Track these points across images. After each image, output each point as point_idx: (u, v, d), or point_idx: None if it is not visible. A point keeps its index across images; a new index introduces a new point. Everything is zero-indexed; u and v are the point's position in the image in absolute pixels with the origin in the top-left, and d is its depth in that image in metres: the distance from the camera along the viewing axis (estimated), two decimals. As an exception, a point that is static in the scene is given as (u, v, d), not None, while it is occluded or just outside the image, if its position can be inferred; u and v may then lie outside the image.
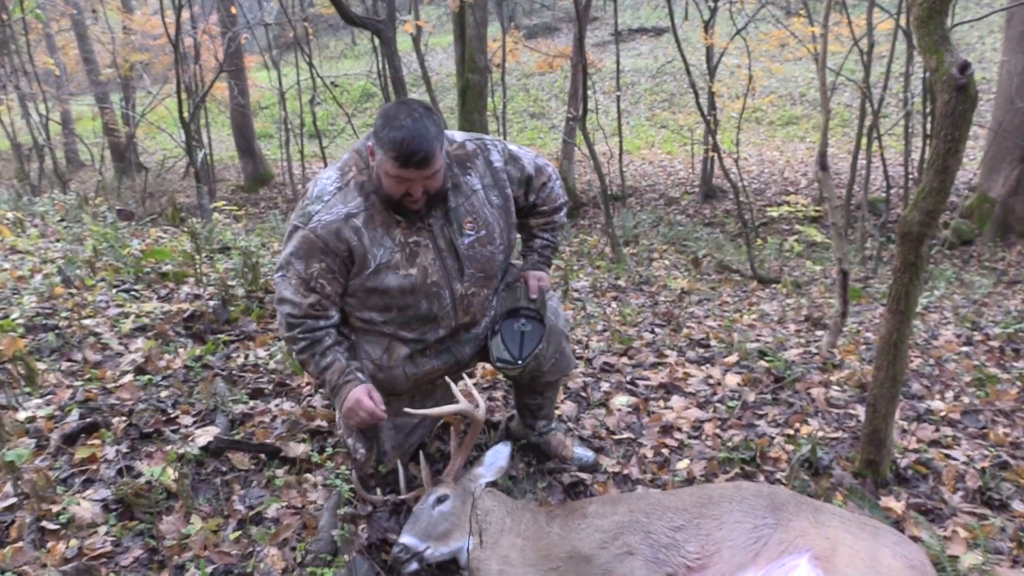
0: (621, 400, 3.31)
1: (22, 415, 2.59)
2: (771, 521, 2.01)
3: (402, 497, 2.32)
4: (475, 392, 2.32)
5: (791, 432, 3.04)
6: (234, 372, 3.16)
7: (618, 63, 12.38)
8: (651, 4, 24.34)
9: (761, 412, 3.26)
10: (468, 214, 2.29)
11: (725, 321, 4.93)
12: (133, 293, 3.88)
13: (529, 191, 2.47)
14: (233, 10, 12.62)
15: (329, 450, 2.63)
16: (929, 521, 2.42)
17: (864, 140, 8.69)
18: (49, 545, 2.04)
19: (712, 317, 5.12)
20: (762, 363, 3.79)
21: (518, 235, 2.61)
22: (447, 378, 2.43)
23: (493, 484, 2.33)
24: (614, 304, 5.38)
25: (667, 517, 2.08)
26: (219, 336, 3.48)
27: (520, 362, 2.38)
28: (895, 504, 2.48)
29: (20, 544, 2.02)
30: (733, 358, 3.88)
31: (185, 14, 9.85)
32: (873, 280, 7.22)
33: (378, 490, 2.41)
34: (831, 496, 2.52)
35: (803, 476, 2.67)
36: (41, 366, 2.92)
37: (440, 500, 2.17)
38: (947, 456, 2.85)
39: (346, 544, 2.17)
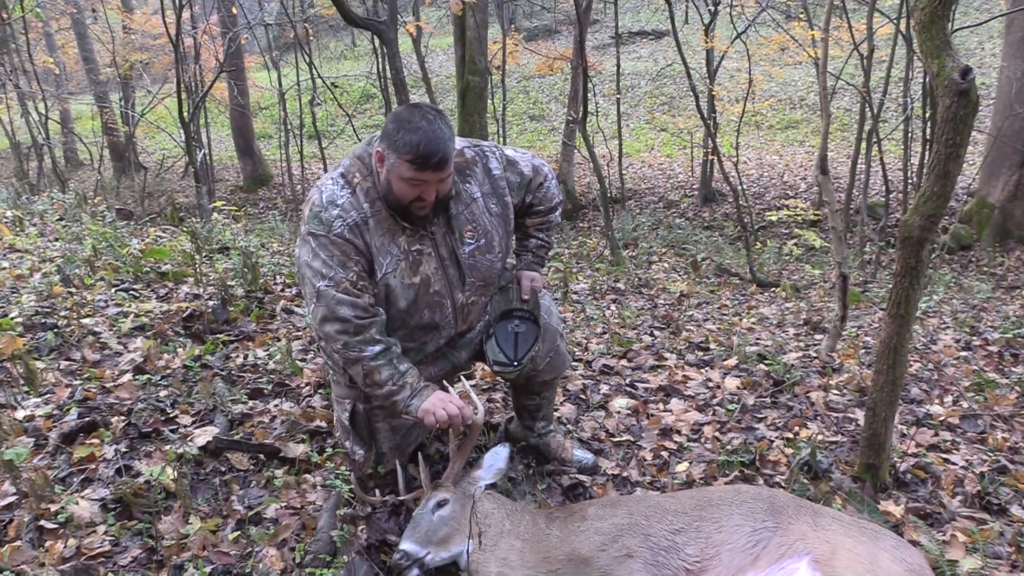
0: (620, 402, 3.31)
1: (21, 414, 2.58)
2: (771, 524, 2.01)
3: (401, 498, 2.32)
4: (473, 395, 2.31)
5: (790, 436, 3.04)
6: (233, 372, 3.15)
7: (618, 66, 12.39)
8: (651, 7, 24.37)
9: (760, 415, 3.26)
10: (468, 222, 2.28)
11: (724, 324, 4.93)
12: (132, 292, 3.88)
13: (527, 193, 2.47)
14: (233, 10, 12.62)
15: (328, 451, 2.62)
16: (928, 525, 2.42)
17: (864, 144, 8.71)
18: (47, 544, 2.03)
19: (711, 320, 5.13)
20: (761, 367, 3.79)
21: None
22: (444, 382, 2.43)
23: (492, 486, 2.32)
24: (613, 307, 5.38)
25: (666, 520, 2.08)
26: (218, 336, 3.48)
27: (516, 363, 2.38)
28: (894, 508, 2.48)
29: (18, 543, 2.02)
30: (732, 361, 3.88)
31: (185, 14, 9.84)
32: (872, 284, 7.22)
33: (377, 491, 2.41)
34: (830, 500, 2.52)
35: (802, 480, 2.67)
36: (40, 365, 2.91)
37: (440, 505, 2.15)
38: (946, 460, 2.85)
39: (345, 545, 2.17)
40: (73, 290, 3.73)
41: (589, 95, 8.15)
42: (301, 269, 2.19)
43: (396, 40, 6.43)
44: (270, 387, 3.07)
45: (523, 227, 2.60)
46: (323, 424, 2.79)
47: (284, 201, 13.63)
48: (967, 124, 2.13)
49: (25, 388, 2.78)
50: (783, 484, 2.67)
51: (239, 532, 2.20)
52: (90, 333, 3.27)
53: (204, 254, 4.81)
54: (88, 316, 3.43)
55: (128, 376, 2.94)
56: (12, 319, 3.20)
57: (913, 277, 2.37)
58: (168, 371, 3.04)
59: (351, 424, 2.50)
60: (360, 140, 2.32)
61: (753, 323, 5.06)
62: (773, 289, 6.76)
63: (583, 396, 3.38)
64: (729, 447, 2.93)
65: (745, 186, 11.61)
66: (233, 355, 3.32)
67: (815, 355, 4.08)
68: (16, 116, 13.77)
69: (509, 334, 2.42)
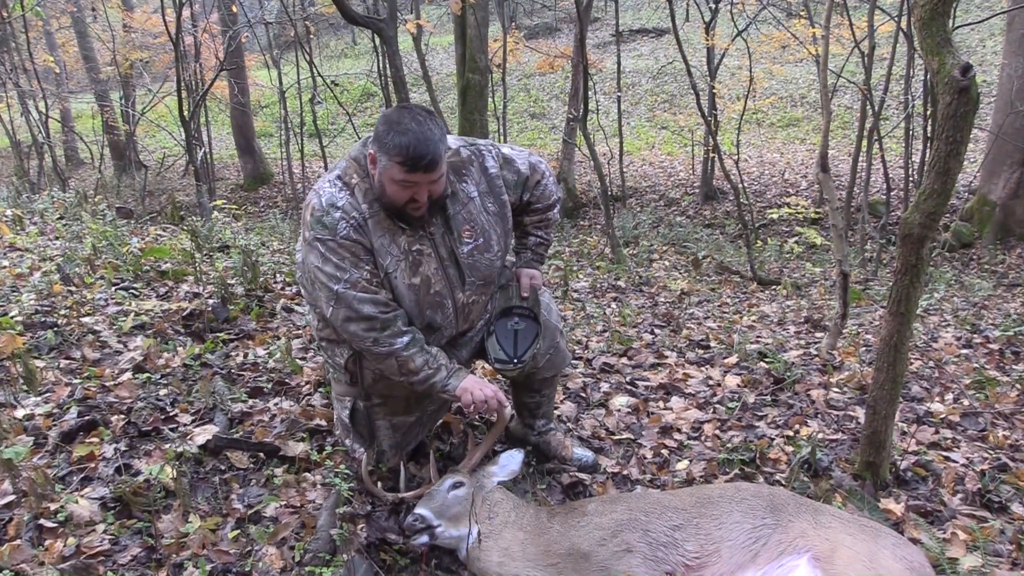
0: (621, 401, 3.31)
1: (20, 413, 2.58)
2: (771, 522, 2.01)
3: (403, 495, 2.33)
4: (500, 393, 2.33)
5: (791, 433, 3.04)
6: (233, 371, 3.15)
7: (619, 64, 12.39)
8: (652, 5, 24.34)
9: (761, 413, 3.26)
10: (466, 222, 2.27)
11: (725, 322, 4.93)
12: (132, 291, 3.87)
13: (524, 191, 2.45)
14: (234, 8, 12.61)
15: (328, 449, 2.62)
16: (928, 523, 2.42)
17: (865, 142, 8.69)
18: (47, 543, 2.03)
19: (712, 318, 5.12)
20: (762, 364, 3.78)
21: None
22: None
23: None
24: (614, 305, 5.38)
25: (666, 516, 2.08)
26: (218, 334, 3.48)
27: (516, 361, 2.38)
28: (895, 506, 2.48)
29: (18, 542, 2.01)
30: (733, 359, 3.88)
31: (186, 12, 9.84)
32: (873, 282, 7.22)
33: (379, 483, 2.42)
34: (831, 498, 2.51)
35: (803, 477, 2.67)
36: (39, 364, 2.91)
37: (456, 486, 2.24)
38: (947, 458, 2.85)
39: (345, 543, 2.17)
40: (73, 289, 3.73)
41: (590, 93, 8.15)
42: (311, 274, 2.17)
43: (396, 38, 6.43)
44: (270, 385, 3.07)
45: (521, 225, 2.59)
46: (323, 423, 2.79)
47: (285, 200, 13.63)
48: (967, 121, 2.13)
49: (25, 387, 2.78)
50: (783, 482, 2.66)
51: (239, 531, 2.19)
52: (90, 332, 3.27)
53: (204, 253, 4.81)
54: (88, 315, 3.43)
55: (128, 375, 2.94)
56: (12, 318, 3.20)
57: (913, 275, 2.37)
58: (168, 370, 3.04)
59: (351, 422, 2.50)
60: (360, 139, 2.31)
61: (754, 321, 5.05)
62: (774, 287, 6.76)
63: (583, 394, 3.37)
64: (729, 445, 2.92)
65: (746, 184, 11.60)
66: (233, 354, 3.32)
67: (816, 353, 4.08)
68: (16, 115, 13.77)
69: (509, 332, 2.42)
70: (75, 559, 1.99)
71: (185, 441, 2.49)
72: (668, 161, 15.49)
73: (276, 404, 2.91)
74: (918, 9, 2.22)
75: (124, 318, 3.42)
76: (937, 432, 3.07)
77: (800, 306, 5.71)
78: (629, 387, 3.51)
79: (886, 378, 2.51)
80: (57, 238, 5.03)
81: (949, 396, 3.49)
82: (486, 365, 3.10)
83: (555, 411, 3.00)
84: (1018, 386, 3.57)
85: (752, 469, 2.78)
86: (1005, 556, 2.27)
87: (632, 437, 3.01)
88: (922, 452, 2.87)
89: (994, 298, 6.37)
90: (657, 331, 4.55)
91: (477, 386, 2.26)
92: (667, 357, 3.92)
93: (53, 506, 2.14)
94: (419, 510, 2.15)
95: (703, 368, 3.79)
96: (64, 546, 2.02)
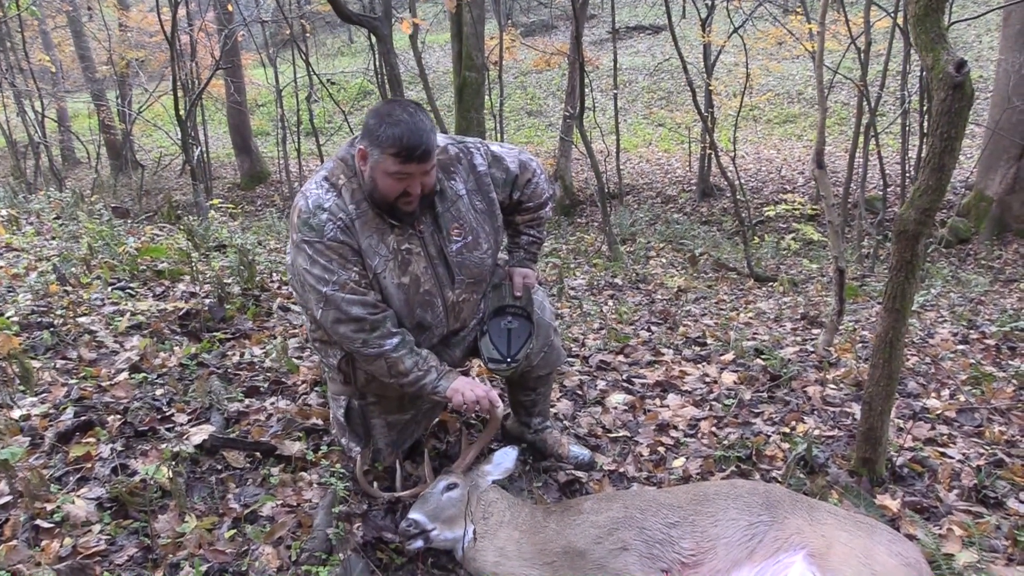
0: (617, 398, 3.31)
1: (16, 413, 2.57)
2: (766, 518, 2.02)
3: (399, 494, 2.33)
4: (494, 393, 2.33)
5: (787, 430, 3.04)
6: (229, 370, 3.15)
7: (615, 61, 12.38)
8: (648, 2, 24.34)
9: (757, 410, 3.26)
10: (454, 220, 2.26)
11: (722, 319, 4.93)
12: (128, 291, 3.87)
13: (514, 189, 2.44)
14: (229, 7, 12.59)
15: (324, 448, 2.62)
16: (924, 519, 2.42)
17: (861, 138, 8.70)
18: (43, 543, 2.03)
19: (709, 315, 5.13)
20: (758, 361, 3.79)
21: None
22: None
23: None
24: (611, 302, 5.38)
25: (662, 514, 2.08)
26: (214, 334, 3.47)
27: (509, 360, 2.38)
28: (891, 502, 2.49)
29: (14, 542, 2.01)
30: (729, 356, 3.88)
31: (181, 11, 9.82)
32: (870, 278, 7.23)
33: (375, 484, 2.42)
34: (827, 494, 2.52)
35: (799, 474, 2.67)
36: (36, 364, 2.91)
37: (450, 487, 2.23)
38: (943, 454, 2.86)
39: (341, 542, 2.17)
40: (69, 289, 3.73)
41: (586, 90, 8.13)
42: (300, 277, 2.17)
43: (391, 36, 6.42)
44: (266, 385, 3.07)
45: (514, 224, 2.58)
46: (319, 422, 2.79)
47: (281, 198, 13.62)
48: (962, 117, 2.13)
49: (21, 387, 2.77)
50: (779, 479, 2.67)
51: (235, 530, 2.20)
52: (86, 332, 3.26)
53: (201, 252, 4.81)
54: (84, 315, 3.43)
55: (124, 375, 2.94)
56: (8, 318, 3.19)
57: (909, 271, 2.37)
58: (164, 369, 3.04)
59: (347, 421, 2.50)
60: (342, 147, 2.31)
61: (750, 318, 5.06)
62: (771, 284, 6.76)
63: (580, 392, 3.38)
64: (726, 442, 2.93)
65: (743, 181, 11.61)
66: (229, 353, 3.32)
67: (812, 350, 4.08)
68: (12, 114, 13.75)
69: (502, 331, 2.42)
70: (71, 559, 1.99)
71: (181, 441, 2.49)
72: (665, 158, 15.49)
73: (272, 403, 2.91)
74: (912, 5, 2.22)
75: (120, 318, 3.42)
76: (933, 428, 3.08)
77: (797, 302, 5.72)
78: (625, 384, 3.51)
79: (882, 374, 2.52)
80: (53, 238, 5.02)
81: (945, 392, 3.50)
82: (479, 365, 3.11)
83: (551, 409, 3.01)
84: (1014, 382, 3.58)
85: (748, 466, 2.79)
86: (1001, 552, 2.28)
87: (628, 435, 3.01)
88: (918, 448, 2.88)
89: (991, 294, 6.38)
90: (654, 328, 4.55)
91: (468, 387, 2.25)
92: (664, 354, 3.93)
93: (49, 506, 2.14)
94: (413, 515, 2.14)
95: (700, 365, 3.80)
96: (60, 546, 2.02)
